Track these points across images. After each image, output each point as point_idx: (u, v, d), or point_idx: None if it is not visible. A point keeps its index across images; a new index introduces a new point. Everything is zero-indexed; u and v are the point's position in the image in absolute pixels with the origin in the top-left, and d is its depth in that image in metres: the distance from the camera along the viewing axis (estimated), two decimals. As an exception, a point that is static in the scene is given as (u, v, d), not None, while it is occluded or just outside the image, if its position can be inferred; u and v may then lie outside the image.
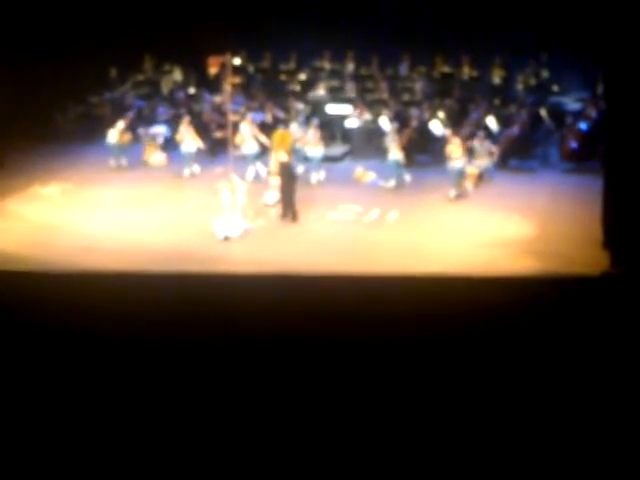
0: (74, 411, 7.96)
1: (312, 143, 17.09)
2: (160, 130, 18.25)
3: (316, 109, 18.88)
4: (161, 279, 12.09)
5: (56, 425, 7.78)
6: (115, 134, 17.94)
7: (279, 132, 16.25)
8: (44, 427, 7.75)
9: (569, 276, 11.63)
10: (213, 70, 14.86)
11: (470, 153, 16.45)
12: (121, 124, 17.96)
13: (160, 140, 18.08)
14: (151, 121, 18.81)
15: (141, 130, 18.26)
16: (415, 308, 9.47)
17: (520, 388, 8.00)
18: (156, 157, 17.97)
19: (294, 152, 16.51)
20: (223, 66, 14.81)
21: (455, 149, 16.03)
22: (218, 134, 17.92)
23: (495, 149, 16.74)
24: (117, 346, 9.05)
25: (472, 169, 16.29)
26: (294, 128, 17.33)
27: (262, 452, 7.32)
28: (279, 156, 15.56)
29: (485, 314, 9.28)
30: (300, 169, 16.81)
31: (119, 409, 7.98)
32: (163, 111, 19.15)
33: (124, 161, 17.95)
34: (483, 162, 16.59)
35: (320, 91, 19.48)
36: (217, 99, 18.58)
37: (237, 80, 18.73)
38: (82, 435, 7.62)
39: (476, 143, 16.55)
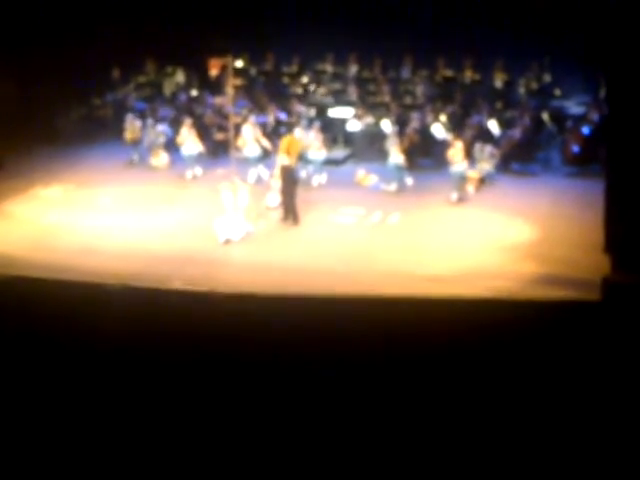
0: (65, 423, 7.91)
1: (314, 146, 17.08)
2: (162, 129, 18.29)
3: (318, 112, 18.89)
4: (157, 293, 12.09)
5: (48, 434, 7.74)
6: (127, 132, 18.19)
7: (287, 138, 16.19)
8: (37, 434, 7.71)
9: (569, 300, 11.51)
10: (214, 72, 14.86)
11: (472, 156, 16.48)
12: (133, 122, 18.16)
13: (162, 139, 18.10)
14: (154, 123, 18.84)
15: (149, 122, 18.29)
16: (415, 331, 9.38)
17: (522, 417, 7.87)
18: (159, 159, 18.00)
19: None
20: (224, 68, 14.81)
21: (457, 153, 16.04)
22: (219, 136, 17.94)
23: (497, 152, 16.74)
24: (106, 358, 8.99)
25: (474, 173, 16.30)
26: (298, 132, 17.31)
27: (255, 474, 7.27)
28: (281, 159, 15.57)
29: (483, 338, 9.18)
30: (303, 173, 16.80)
31: (110, 422, 7.91)
32: (165, 113, 19.17)
33: (136, 156, 18.19)
34: (485, 166, 16.59)
35: (322, 94, 19.48)
36: (218, 100, 18.58)
37: (239, 82, 18.73)
38: (72, 446, 7.57)
39: (477, 149, 16.58)
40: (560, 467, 7.11)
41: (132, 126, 18.30)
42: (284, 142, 15.74)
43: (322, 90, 19.57)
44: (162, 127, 18.23)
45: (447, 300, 11.45)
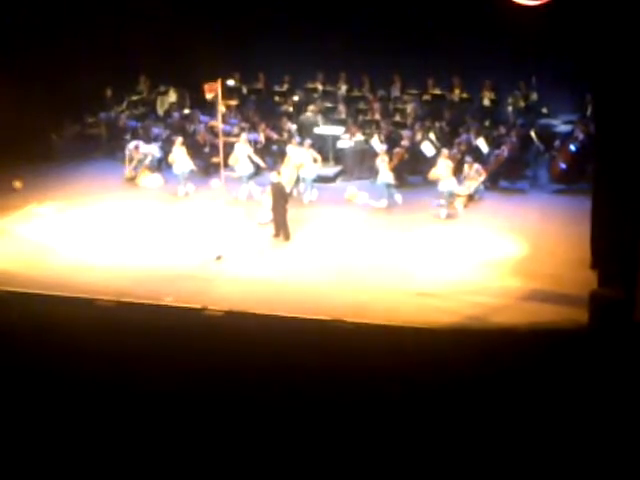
0: (58, 437, 7.91)
1: (306, 163, 17.17)
2: (150, 150, 18.39)
3: (309, 130, 19.03)
4: (149, 309, 12.15)
5: (40, 450, 7.74)
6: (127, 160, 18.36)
7: (297, 164, 16.67)
8: (27, 451, 7.71)
9: (556, 329, 11.57)
10: (209, 96, 15.07)
11: (460, 174, 16.65)
12: (132, 151, 18.29)
13: (148, 160, 18.21)
14: (146, 141, 18.93)
15: (133, 144, 18.43)
16: (405, 360, 9.37)
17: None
18: (152, 179, 18.10)
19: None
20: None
21: (445, 170, 16.22)
22: (215, 160, 17.92)
23: (485, 170, 16.90)
24: (98, 373, 8.99)
25: (462, 190, 16.46)
26: (291, 149, 17.40)
27: None
28: (271, 176, 15.74)
29: (477, 368, 9.18)
30: (295, 192, 16.93)
31: (102, 438, 7.90)
32: (158, 132, 19.29)
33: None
34: (473, 183, 16.75)
35: (313, 112, 19.60)
36: (211, 123, 18.66)
37: (232, 103, 18.88)
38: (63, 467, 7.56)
39: (465, 167, 16.75)
40: None
41: (131, 153, 18.39)
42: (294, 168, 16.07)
43: (312, 108, 19.67)
44: (148, 148, 18.35)
45: (439, 329, 11.50)
